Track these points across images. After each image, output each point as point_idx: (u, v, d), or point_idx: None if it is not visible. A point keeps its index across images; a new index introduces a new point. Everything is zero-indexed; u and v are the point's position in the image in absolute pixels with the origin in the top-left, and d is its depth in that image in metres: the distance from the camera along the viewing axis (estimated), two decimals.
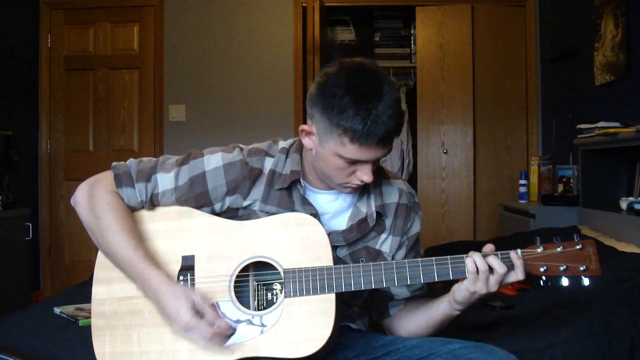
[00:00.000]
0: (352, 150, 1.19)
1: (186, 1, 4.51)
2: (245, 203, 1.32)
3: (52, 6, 4.50)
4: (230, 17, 4.50)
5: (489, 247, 1.24)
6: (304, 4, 4.46)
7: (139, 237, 1.28)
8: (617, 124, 2.69)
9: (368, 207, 1.36)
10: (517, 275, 1.21)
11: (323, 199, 1.35)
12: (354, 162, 1.22)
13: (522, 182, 3.89)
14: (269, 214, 1.31)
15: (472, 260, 1.21)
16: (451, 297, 1.26)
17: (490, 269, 1.20)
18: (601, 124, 2.78)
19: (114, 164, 1.35)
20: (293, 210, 1.32)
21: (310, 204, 1.32)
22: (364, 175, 1.23)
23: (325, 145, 1.22)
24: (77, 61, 4.52)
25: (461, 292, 1.24)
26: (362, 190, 1.37)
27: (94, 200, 1.29)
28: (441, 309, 1.30)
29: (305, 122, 1.29)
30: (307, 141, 1.29)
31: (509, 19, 4.47)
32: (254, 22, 4.50)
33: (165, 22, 4.49)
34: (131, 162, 1.35)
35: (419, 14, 4.48)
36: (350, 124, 1.16)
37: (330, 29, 5.06)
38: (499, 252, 1.22)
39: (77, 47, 4.52)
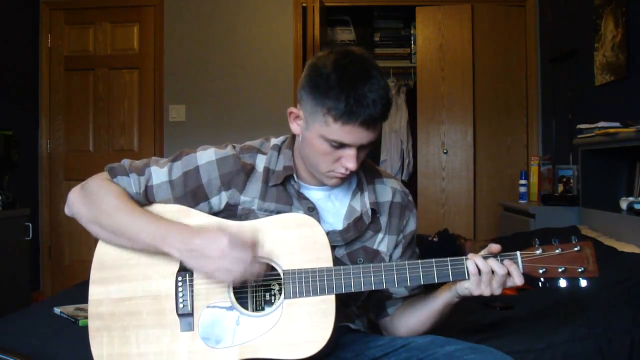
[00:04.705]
0: (335, 130, 1.19)
1: (186, 1, 4.51)
2: (243, 199, 1.32)
3: (52, 6, 4.50)
4: (230, 17, 4.50)
5: (494, 248, 1.24)
6: (304, 4, 4.46)
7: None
8: (617, 124, 2.69)
9: (362, 205, 1.35)
10: (515, 280, 1.21)
11: (315, 196, 1.35)
12: (338, 147, 1.21)
13: (522, 182, 3.89)
14: (267, 211, 1.31)
15: (473, 262, 1.21)
16: (454, 290, 1.27)
17: (492, 271, 1.21)
18: (601, 124, 2.78)
19: (107, 165, 1.35)
20: (291, 205, 1.32)
21: (306, 198, 1.33)
22: (348, 162, 1.22)
23: (311, 127, 1.23)
24: (77, 61, 4.52)
25: (463, 291, 1.25)
26: (355, 189, 1.37)
27: (90, 192, 1.28)
28: (442, 298, 1.31)
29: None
30: (294, 126, 1.29)
31: (509, 19, 4.47)
32: (254, 22, 4.50)
33: (165, 22, 4.49)
34: (125, 160, 1.36)
35: (419, 14, 4.48)
36: (334, 102, 1.16)
37: (330, 29, 5.06)
38: (498, 255, 1.23)
39: (77, 47, 4.52)
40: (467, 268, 1.21)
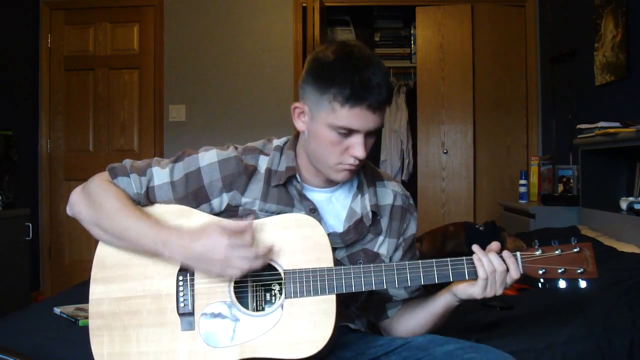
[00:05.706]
0: (342, 115, 1.20)
1: (186, 1, 4.51)
2: (244, 200, 1.32)
3: (52, 6, 4.50)
4: (230, 17, 4.50)
5: (494, 245, 1.24)
6: (304, 4, 4.46)
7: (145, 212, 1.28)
8: (617, 124, 2.69)
9: (363, 208, 1.35)
10: (512, 274, 1.22)
11: (317, 198, 1.35)
12: (346, 134, 1.22)
13: (522, 182, 3.89)
14: (269, 212, 1.31)
15: (483, 269, 1.21)
16: (453, 294, 1.27)
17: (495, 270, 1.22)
18: (601, 124, 2.78)
19: (108, 164, 1.35)
20: (293, 206, 1.32)
21: (308, 199, 1.32)
22: (356, 150, 1.22)
23: (317, 118, 1.23)
24: (77, 61, 4.53)
25: (464, 295, 1.25)
26: (356, 191, 1.37)
27: (91, 194, 1.29)
28: (441, 302, 1.31)
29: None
30: (299, 123, 1.30)
31: (509, 19, 4.47)
32: (253, 22, 4.50)
33: (165, 22, 4.49)
34: (126, 160, 1.36)
35: (419, 14, 4.48)
36: (340, 87, 1.18)
37: (330, 29, 5.06)
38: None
39: (77, 47, 4.52)
40: (478, 273, 1.22)
